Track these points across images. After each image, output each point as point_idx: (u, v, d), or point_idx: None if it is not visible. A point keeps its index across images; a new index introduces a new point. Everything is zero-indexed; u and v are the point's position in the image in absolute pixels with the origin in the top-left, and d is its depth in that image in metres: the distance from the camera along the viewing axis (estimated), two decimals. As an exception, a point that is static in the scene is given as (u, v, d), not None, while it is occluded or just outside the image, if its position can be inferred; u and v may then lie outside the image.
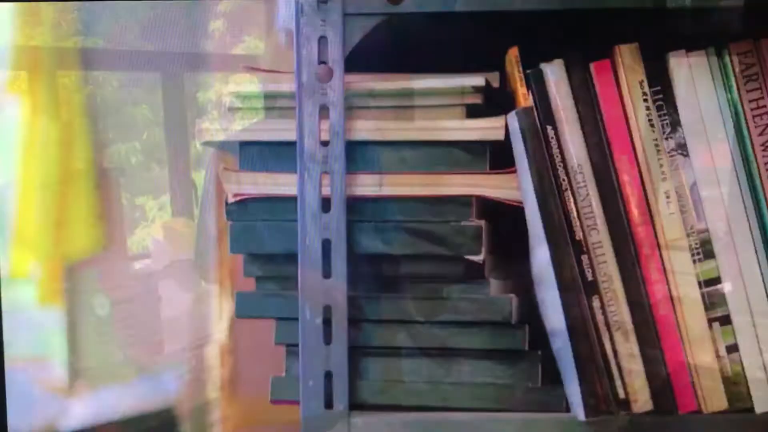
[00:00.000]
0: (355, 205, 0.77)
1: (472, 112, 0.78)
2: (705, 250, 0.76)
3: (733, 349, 0.76)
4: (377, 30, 0.77)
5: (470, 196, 0.76)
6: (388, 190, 0.77)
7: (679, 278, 0.75)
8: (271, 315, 0.79)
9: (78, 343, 2.42)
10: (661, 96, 0.76)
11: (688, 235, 0.76)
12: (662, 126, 0.76)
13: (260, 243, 0.77)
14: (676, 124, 0.76)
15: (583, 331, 0.73)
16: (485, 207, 0.78)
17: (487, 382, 0.78)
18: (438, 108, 0.77)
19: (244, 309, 0.79)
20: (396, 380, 0.78)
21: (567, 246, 0.74)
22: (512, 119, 0.75)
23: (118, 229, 2.40)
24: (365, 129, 0.77)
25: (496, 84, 0.78)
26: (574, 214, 0.75)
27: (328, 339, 0.74)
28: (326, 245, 0.74)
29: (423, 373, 0.78)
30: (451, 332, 0.77)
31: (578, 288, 0.74)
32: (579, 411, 0.73)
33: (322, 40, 0.73)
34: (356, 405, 0.77)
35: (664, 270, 0.75)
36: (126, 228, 2.39)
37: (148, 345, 2.04)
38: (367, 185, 0.77)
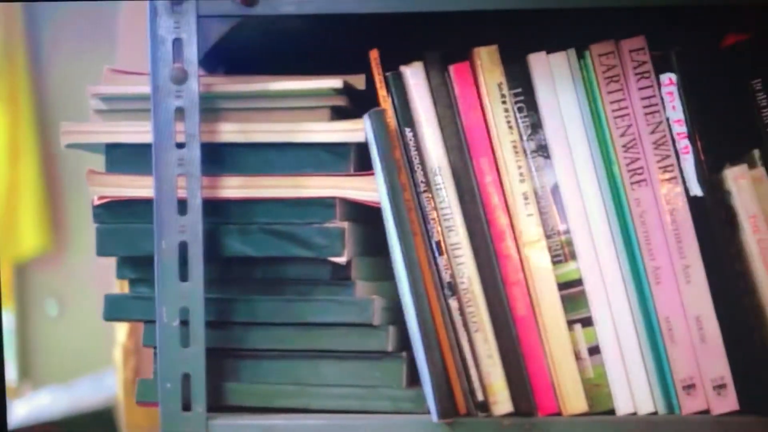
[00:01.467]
0: (218, 208, 0.77)
1: (340, 114, 0.79)
2: (567, 251, 0.76)
3: (595, 350, 0.76)
4: (250, 30, 0.78)
5: (333, 198, 0.76)
6: (250, 192, 0.77)
7: (539, 280, 0.75)
8: (138, 317, 0.79)
9: (27, 342, 2.44)
10: (522, 98, 0.76)
11: (549, 237, 0.76)
12: (524, 128, 0.76)
13: (125, 246, 0.77)
14: (537, 125, 0.76)
15: (435, 333, 0.73)
16: (353, 209, 0.78)
17: (352, 384, 0.78)
18: (303, 110, 0.77)
19: (112, 311, 0.79)
20: (262, 382, 0.78)
21: (422, 247, 0.74)
22: (366, 121, 0.75)
23: (66, 228, 2.42)
24: (228, 131, 0.77)
25: (361, 86, 0.78)
26: (433, 215, 0.75)
27: (185, 341, 0.74)
28: (183, 248, 0.74)
29: (288, 375, 0.78)
30: (315, 334, 0.77)
31: (437, 289, 0.74)
32: (433, 413, 0.73)
33: (177, 42, 0.73)
34: (221, 407, 0.77)
35: (524, 271, 0.75)
36: (74, 227, 2.41)
37: (95, 344, 2.06)
38: (228, 187, 0.77)
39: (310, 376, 0.78)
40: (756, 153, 0.76)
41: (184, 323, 0.74)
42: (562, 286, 0.75)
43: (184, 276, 0.74)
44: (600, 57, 0.75)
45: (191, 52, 0.73)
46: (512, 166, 0.75)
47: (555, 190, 0.75)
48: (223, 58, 0.86)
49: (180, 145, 0.74)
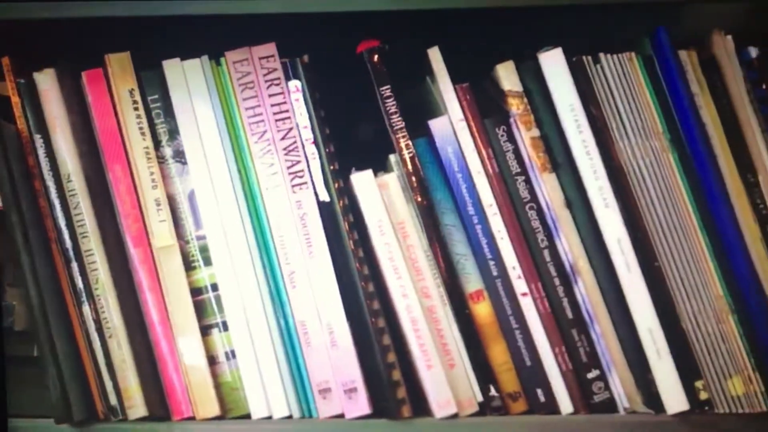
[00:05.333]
0: None
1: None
2: (204, 256, 0.76)
3: (232, 355, 0.76)
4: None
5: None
6: None
7: (172, 285, 0.75)
8: None
9: None
10: (159, 104, 0.76)
11: (187, 242, 0.76)
12: (162, 133, 0.76)
13: None
14: (174, 132, 0.76)
15: (71, 339, 0.74)
16: None
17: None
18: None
19: None
20: None
21: (57, 253, 0.75)
22: (-13, 129, 0.75)
23: None
24: None
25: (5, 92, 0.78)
26: (64, 222, 0.75)
27: None
28: None
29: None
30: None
31: (71, 295, 0.75)
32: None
33: None
34: None
35: (158, 277, 0.75)
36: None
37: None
38: None
39: (-39, 380, 0.79)
40: (392, 158, 0.76)
41: None
42: (197, 291, 0.76)
43: None
44: (235, 64, 0.76)
45: None
46: (144, 172, 0.75)
47: (192, 196, 0.76)
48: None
49: None
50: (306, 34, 0.76)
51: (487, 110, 0.76)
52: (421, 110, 0.79)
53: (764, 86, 0.73)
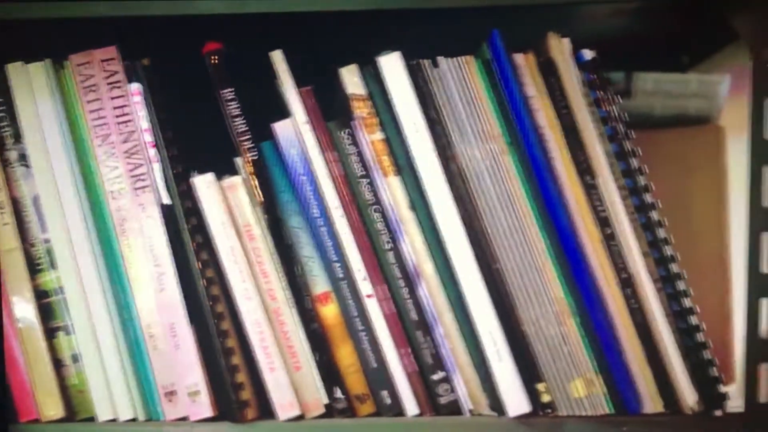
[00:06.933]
0: None
1: None
2: (51, 259, 0.76)
3: (78, 358, 0.76)
4: None
5: None
6: None
7: (17, 288, 0.76)
8: None
9: None
10: (3, 107, 0.76)
11: (33, 245, 0.76)
12: (5, 137, 0.76)
13: None
14: (19, 135, 0.76)
15: None
16: None
17: None
18: None
19: None
20: None
21: None
22: None
23: None
24: None
25: None
26: None
27: None
28: None
29: None
30: None
31: None
32: None
33: None
34: None
35: (1, 279, 0.76)
36: None
37: None
38: None
39: None
40: (238, 161, 0.76)
41: None
42: (46, 293, 0.76)
43: None
44: (78, 67, 0.76)
45: None
46: (-13, 175, 0.75)
47: (37, 199, 0.76)
48: None
49: None
50: (158, 37, 0.76)
51: (340, 113, 0.76)
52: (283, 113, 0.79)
53: (599, 89, 0.73)
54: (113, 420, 0.76)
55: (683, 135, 0.90)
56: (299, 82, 0.75)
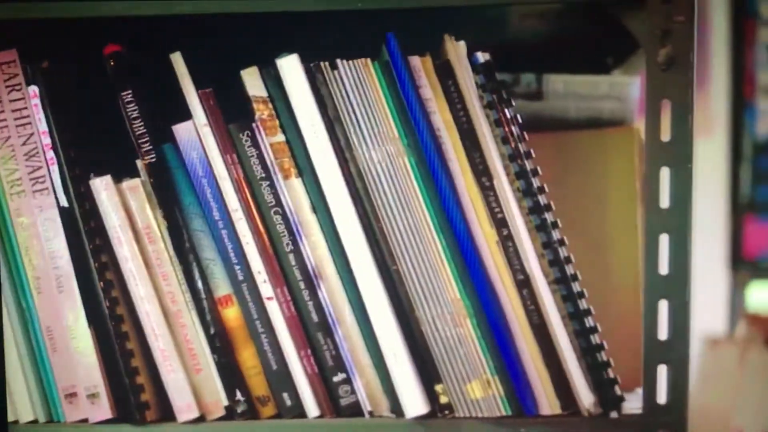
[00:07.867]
0: None
1: None
2: (-50, 262, 0.76)
3: (-21, 360, 0.76)
4: None
5: None
6: None
7: None
8: None
9: None
10: None
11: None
12: None
13: None
14: None
15: None
16: None
17: None
18: None
19: None
20: None
21: None
22: None
23: None
24: None
25: None
26: None
27: None
28: None
29: None
30: None
31: None
32: None
33: None
34: None
35: None
36: None
37: None
38: None
39: None
40: (138, 163, 0.76)
41: None
42: None
43: None
44: (2, 66, 0.75)
45: None
46: None
47: None
48: None
49: None
50: (60, 39, 0.76)
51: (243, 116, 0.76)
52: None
53: (491, 91, 0.74)
54: (15, 422, 0.76)
55: (598, 136, 0.90)
56: (202, 84, 0.75)
